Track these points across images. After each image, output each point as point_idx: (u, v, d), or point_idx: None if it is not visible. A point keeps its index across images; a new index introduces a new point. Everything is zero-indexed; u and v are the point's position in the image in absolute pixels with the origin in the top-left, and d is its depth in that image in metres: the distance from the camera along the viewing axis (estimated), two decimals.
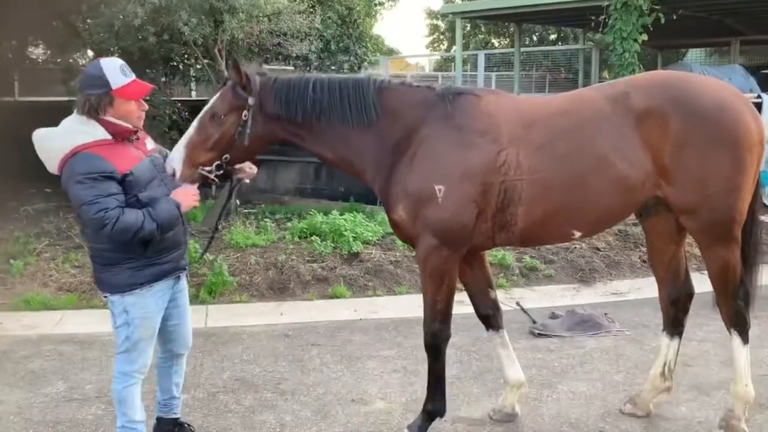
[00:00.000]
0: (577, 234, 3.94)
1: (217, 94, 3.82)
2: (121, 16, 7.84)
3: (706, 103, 3.70)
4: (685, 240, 4.28)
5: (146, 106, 3.58)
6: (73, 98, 12.75)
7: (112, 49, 9.99)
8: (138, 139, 3.59)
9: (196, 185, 3.69)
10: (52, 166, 3.44)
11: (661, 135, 3.67)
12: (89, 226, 3.44)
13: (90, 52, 11.55)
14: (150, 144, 3.72)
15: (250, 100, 3.75)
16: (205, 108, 3.80)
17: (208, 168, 3.72)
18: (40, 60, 13.09)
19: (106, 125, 3.42)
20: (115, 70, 3.41)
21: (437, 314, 3.91)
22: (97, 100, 3.38)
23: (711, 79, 4.18)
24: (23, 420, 4.44)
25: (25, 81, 17.33)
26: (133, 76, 3.49)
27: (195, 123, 3.77)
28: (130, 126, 3.49)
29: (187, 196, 3.54)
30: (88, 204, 3.31)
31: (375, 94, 3.82)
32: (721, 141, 3.67)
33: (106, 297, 3.63)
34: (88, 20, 10.01)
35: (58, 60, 11.75)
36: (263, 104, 3.79)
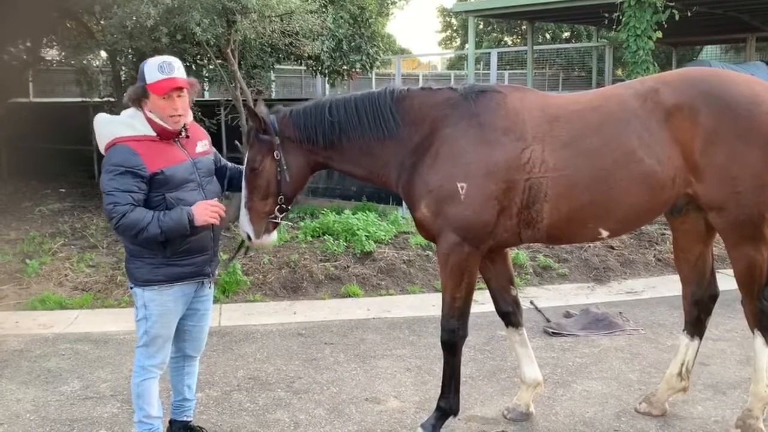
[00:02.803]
0: (605, 233, 3.89)
1: (247, 148, 3.90)
2: (134, 17, 7.87)
3: (738, 97, 3.65)
4: (713, 240, 4.23)
5: (179, 106, 3.54)
6: (86, 99, 12.85)
7: (125, 50, 10.05)
8: (188, 137, 3.65)
9: (216, 200, 3.69)
10: (102, 148, 3.59)
11: (691, 130, 3.63)
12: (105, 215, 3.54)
13: (103, 54, 11.63)
14: (202, 146, 3.75)
15: (276, 140, 3.82)
16: (244, 165, 3.89)
17: (273, 215, 3.88)
18: (54, 61, 13.20)
19: (152, 124, 3.52)
20: (154, 66, 3.49)
21: (455, 311, 3.90)
22: (134, 92, 3.53)
23: (742, 74, 4.11)
24: (39, 418, 4.47)
25: (40, 82, 17.49)
26: (170, 74, 3.49)
27: (243, 183, 3.88)
28: (169, 127, 3.54)
29: (206, 211, 3.52)
30: (106, 194, 3.43)
31: (392, 105, 3.85)
32: (753, 137, 3.61)
33: (131, 288, 3.71)
34: (102, 21, 10.07)
35: (72, 61, 11.83)
36: (288, 138, 3.87)
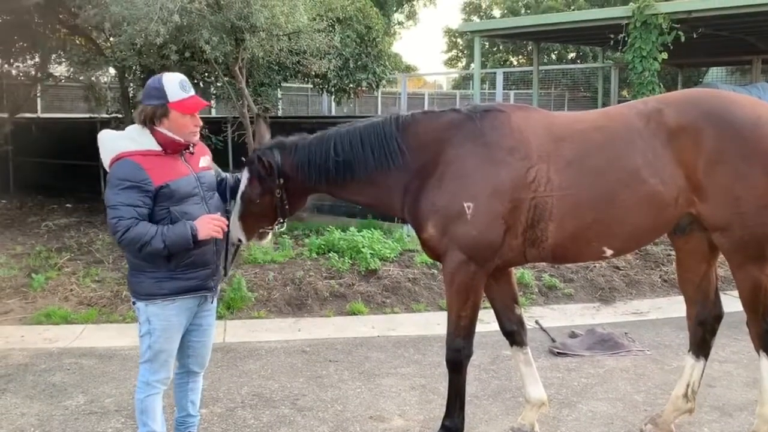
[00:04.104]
0: (609, 252, 3.90)
1: (245, 179, 3.90)
2: (144, 35, 7.93)
3: (742, 118, 3.66)
4: (717, 260, 4.22)
5: (200, 122, 3.65)
6: (95, 115, 12.96)
7: (134, 67, 10.13)
8: (192, 154, 3.67)
9: (219, 215, 3.69)
10: (105, 164, 3.60)
11: (695, 150, 3.63)
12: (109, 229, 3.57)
13: (112, 70, 11.73)
14: (204, 162, 3.78)
15: (278, 182, 3.88)
16: (240, 190, 3.90)
17: (270, 227, 4.01)
18: (63, 77, 13.32)
19: (158, 136, 3.52)
20: (174, 84, 3.52)
21: (461, 330, 3.90)
22: (152, 110, 3.51)
23: (746, 95, 4.13)
24: None
25: (48, 98, 17.63)
26: (192, 92, 3.58)
27: (238, 200, 3.91)
28: (182, 140, 3.56)
29: (209, 225, 3.53)
30: (110, 207, 3.45)
31: (398, 135, 3.87)
32: (757, 157, 3.61)
33: (134, 303, 3.69)
34: (111, 38, 10.16)
35: (81, 77, 11.93)
36: (291, 178, 3.92)
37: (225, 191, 3.99)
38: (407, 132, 3.89)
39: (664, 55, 11.65)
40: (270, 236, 4.11)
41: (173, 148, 3.56)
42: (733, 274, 3.95)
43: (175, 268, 3.57)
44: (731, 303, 4.29)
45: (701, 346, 4.29)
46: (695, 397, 4.32)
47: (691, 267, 4.23)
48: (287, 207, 3.95)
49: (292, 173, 3.90)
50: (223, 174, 4.07)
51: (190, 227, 3.48)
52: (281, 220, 3.98)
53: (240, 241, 3.93)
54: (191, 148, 3.65)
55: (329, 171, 3.89)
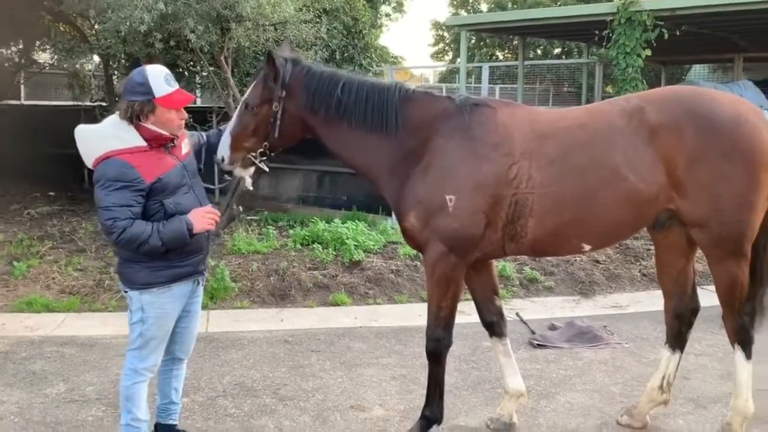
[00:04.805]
0: (587, 247, 3.97)
1: (252, 85, 3.93)
2: (129, 23, 7.89)
3: (723, 116, 3.71)
4: (695, 255, 4.29)
5: (186, 115, 3.63)
6: (78, 103, 12.88)
7: (118, 55, 10.08)
8: (174, 145, 3.64)
9: (210, 207, 3.70)
10: (88, 162, 3.55)
11: (676, 148, 3.68)
12: (102, 229, 3.50)
13: (96, 58, 11.66)
14: (186, 147, 3.76)
15: (280, 92, 3.85)
16: (243, 97, 3.93)
17: (253, 154, 3.90)
18: (47, 64, 13.20)
19: (143, 131, 3.48)
20: (160, 78, 3.47)
21: (441, 321, 3.95)
22: (140, 107, 3.44)
23: (727, 93, 4.19)
24: (24, 420, 4.47)
25: (31, 85, 17.46)
26: (177, 86, 3.55)
27: (236, 111, 3.93)
28: (168, 134, 3.54)
29: (203, 218, 3.55)
30: (103, 209, 3.40)
31: (398, 104, 3.88)
32: (736, 155, 3.67)
33: (126, 292, 3.69)
34: (95, 25, 10.09)
35: (65, 65, 11.84)
36: (293, 95, 3.88)
37: (204, 145, 4.00)
38: (406, 105, 3.91)
39: (648, 52, 11.77)
40: (251, 172, 3.98)
41: (158, 142, 3.54)
42: (711, 269, 4.02)
43: (173, 257, 3.58)
44: (708, 297, 4.36)
45: (677, 339, 4.38)
46: (670, 389, 4.41)
47: (670, 262, 4.30)
48: (278, 131, 3.88)
49: (296, 91, 3.88)
50: (202, 135, 4.07)
51: (185, 223, 3.48)
52: (267, 151, 3.90)
53: (222, 161, 3.87)
54: (175, 141, 3.64)
55: (329, 107, 3.88)
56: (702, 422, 4.51)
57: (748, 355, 4.01)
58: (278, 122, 3.87)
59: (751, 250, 3.90)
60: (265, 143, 3.90)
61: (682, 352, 4.41)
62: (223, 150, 3.88)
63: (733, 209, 3.73)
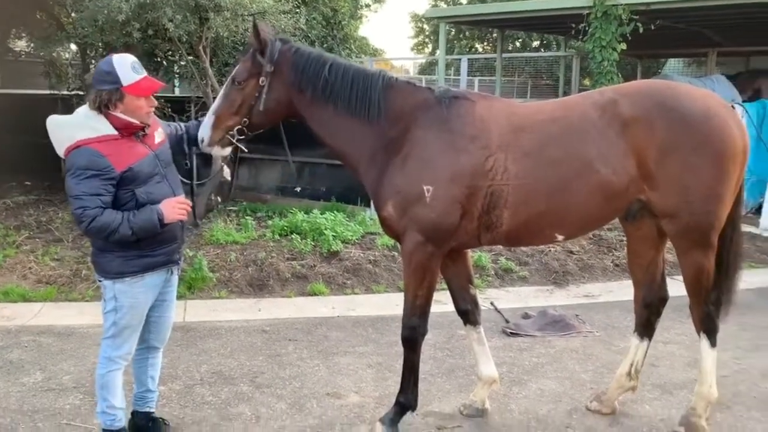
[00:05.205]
0: (561, 237, 4.07)
1: (241, 60, 3.98)
2: (106, 11, 7.85)
3: (693, 110, 3.80)
4: (665, 246, 4.40)
5: (155, 102, 3.67)
6: (55, 92, 12.73)
7: (96, 44, 10.00)
8: (146, 134, 3.66)
9: (184, 197, 3.73)
10: (59, 152, 3.56)
11: (647, 140, 3.77)
12: (73, 218, 3.53)
13: (73, 46, 11.54)
14: (159, 136, 3.78)
15: (268, 67, 3.89)
16: (231, 74, 3.97)
17: (231, 133, 3.93)
18: (23, 52, 13.03)
19: (113, 120, 3.50)
20: (126, 66, 3.50)
21: (417, 309, 4.03)
22: (108, 96, 3.47)
23: (698, 88, 4.29)
24: (0, 409, 4.48)
25: (7, 73, 17.20)
26: (144, 73, 3.57)
27: (222, 89, 3.98)
28: (138, 122, 3.56)
29: (174, 208, 3.57)
30: (74, 197, 3.43)
31: (381, 91, 3.95)
32: (706, 148, 3.76)
33: (100, 281, 3.72)
34: (73, 14, 10.01)
35: (41, 53, 11.71)
36: (280, 71, 3.93)
37: (182, 135, 4.03)
38: (389, 93, 3.97)
39: (623, 46, 11.93)
40: (228, 152, 4.04)
41: (129, 131, 3.56)
42: (679, 259, 4.13)
43: (145, 247, 3.61)
44: (678, 287, 4.47)
45: (646, 328, 4.49)
46: (638, 375, 4.52)
47: (641, 252, 4.41)
48: (264, 104, 3.92)
49: (284, 68, 3.93)
50: (183, 126, 4.10)
51: (156, 213, 3.50)
52: (245, 129, 3.93)
53: (202, 142, 3.90)
54: (146, 129, 3.66)
55: (316, 87, 3.93)
56: (668, 407, 4.65)
57: (713, 343, 4.13)
58: (264, 96, 3.92)
59: (718, 241, 4.02)
60: (245, 120, 3.94)
61: (650, 340, 4.52)
62: (205, 130, 3.93)
63: (701, 201, 3.83)
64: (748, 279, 7.52)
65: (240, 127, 3.94)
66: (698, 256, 3.99)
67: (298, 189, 7.98)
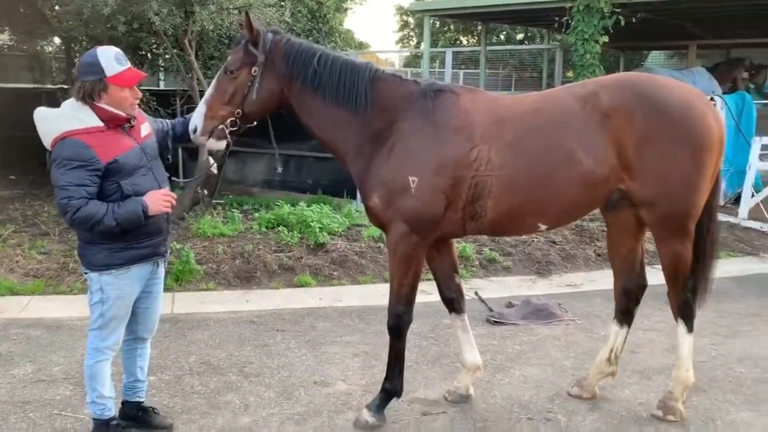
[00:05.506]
0: (543, 226, 4.17)
1: (233, 50, 4.05)
2: (91, 5, 7.85)
3: (672, 101, 3.91)
4: (644, 235, 4.50)
5: (140, 94, 3.71)
6: (39, 85, 12.67)
7: (80, 38, 9.99)
8: (132, 126, 3.70)
9: (168, 189, 3.77)
10: (46, 143, 3.59)
11: (627, 130, 3.87)
12: (58, 209, 3.58)
13: (57, 40, 11.50)
14: (145, 130, 3.81)
15: (260, 57, 3.96)
16: (223, 65, 4.03)
17: (226, 123, 3.99)
18: (6, 46, 12.96)
19: (99, 112, 3.54)
20: (110, 57, 3.54)
21: (402, 298, 4.12)
22: (91, 87, 3.51)
23: (677, 80, 4.39)
24: None
25: None
26: (128, 64, 3.61)
27: (214, 80, 4.03)
28: (123, 114, 3.61)
29: (159, 201, 3.60)
30: (59, 188, 3.47)
31: (368, 83, 4.02)
32: (684, 139, 3.88)
33: (86, 273, 3.77)
34: (57, 7, 9.98)
35: (25, 47, 11.66)
36: (272, 62, 4.00)
37: (169, 131, 4.08)
38: (376, 84, 4.04)
39: (605, 39, 12.04)
40: (224, 144, 4.06)
41: (115, 123, 3.60)
42: (657, 247, 4.25)
43: (131, 238, 3.66)
44: (658, 276, 4.59)
45: (625, 315, 4.60)
46: (618, 361, 4.64)
47: (620, 241, 4.51)
48: (256, 94, 3.98)
49: (276, 58, 4.00)
50: (165, 121, 4.14)
51: (141, 204, 3.54)
52: (238, 120, 3.98)
53: (194, 132, 3.94)
54: (132, 122, 3.70)
55: (306, 77, 4.00)
56: (647, 392, 4.77)
57: (690, 329, 4.26)
58: (256, 86, 3.98)
59: (695, 230, 4.14)
60: (239, 110, 3.99)
61: (629, 327, 4.63)
62: (197, 120, 3.98)
63: (679, 190, 3.95)
64: (727, 267, 7.74)
65: (233, 118, 3.99)
66: (676, 245, 4.10)
67: (280, 170, 8.02)
